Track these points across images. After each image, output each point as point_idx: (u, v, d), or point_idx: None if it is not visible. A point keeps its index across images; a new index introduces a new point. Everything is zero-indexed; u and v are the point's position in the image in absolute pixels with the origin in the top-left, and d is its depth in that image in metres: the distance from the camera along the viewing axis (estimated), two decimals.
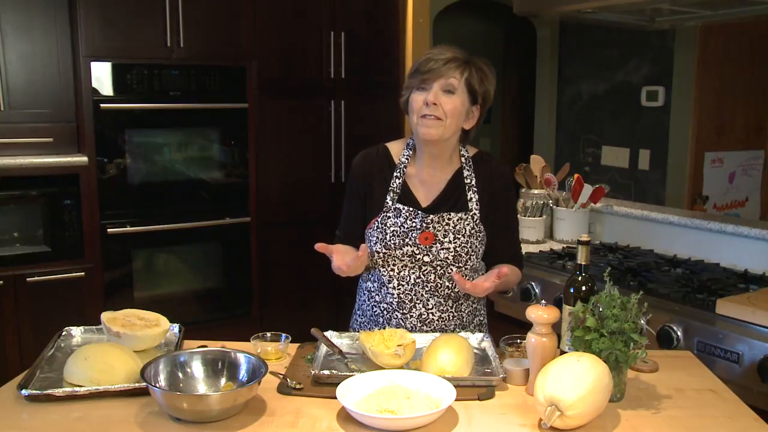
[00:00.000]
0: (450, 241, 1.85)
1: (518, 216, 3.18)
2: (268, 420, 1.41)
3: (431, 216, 1.85)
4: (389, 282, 1.88)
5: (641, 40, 4.50)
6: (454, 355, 1.58)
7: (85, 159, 3.36)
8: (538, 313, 1.52)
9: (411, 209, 1.86)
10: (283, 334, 1.76)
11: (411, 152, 1.92)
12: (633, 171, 4.68)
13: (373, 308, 1.94)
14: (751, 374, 1.93)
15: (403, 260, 1.86)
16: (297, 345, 1.80)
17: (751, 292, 2.25)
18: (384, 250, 1.86)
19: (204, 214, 3.72)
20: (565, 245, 3.06)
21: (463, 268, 1.88)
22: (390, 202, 1.87)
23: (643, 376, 1.65)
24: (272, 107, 3.84)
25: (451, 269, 1.86)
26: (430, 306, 1.88)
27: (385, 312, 1.90)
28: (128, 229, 3.50)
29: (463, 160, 1.93)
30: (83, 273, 3.39)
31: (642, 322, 1.49)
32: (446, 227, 1.85)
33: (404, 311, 1.88)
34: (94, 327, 1.82)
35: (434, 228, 1.85)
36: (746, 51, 4.34)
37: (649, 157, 4.56)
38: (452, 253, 1.85)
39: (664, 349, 2.10)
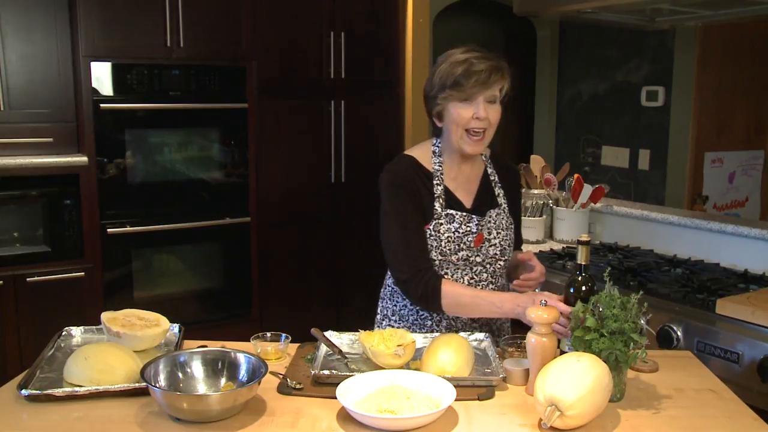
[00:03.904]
0: (495, 237, 1.90)
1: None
2: (268, 420, 1.41)
3: (484, 218, 1.89)
4: None
5: (641, 40, 4.50)
6: (454, 355, 1.58)
7: (85, 159, 3.36)
8: (538, 313, 1.52)
9: (464, 214, 1.88)
10: (283, 334, 1.76)
11: (440, 158, 1.92)
12: (633, 171, 4.68)
13: (418, 313, 1.92)
14: (751, 374, 1.93)
15: (458, 264, 1.88)
16: (297, 345, 1.80)
17: (751, 292, 2.25)
18: (440, 257, 1.86)
19: (204, 214, 3.72)
20: (565, 245, 3.06)
21: (506, 260, 1.95)
22: (440, 209, 1.86)
23: (643, 376, 1.65)
24: (272, 107, 3.84)
25: (499, 264, 1.93)
26: None
27: (434, 315, 1.90)
28: (128, 229, 3.50)
29: (484, 158, 1.99)
30: (83, 273, 3.39)
31: (642, 322, 1.49)
32: (490, 225, 1.90)
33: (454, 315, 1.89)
34: (94, 327, 1.82)
35: (483, 228, 1.89)
36: (746, 51, 4.34)
37: (649, 157, 4.56)
38: (499, 248, 1.91)
39: (664, 349, 2.10)
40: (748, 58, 4.36)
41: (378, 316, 2.05)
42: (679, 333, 2.12)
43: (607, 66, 4.81)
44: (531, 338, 1.53)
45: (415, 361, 1.65)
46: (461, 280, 1.89)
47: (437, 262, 1.86)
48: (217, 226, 3.75)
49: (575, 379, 1.35)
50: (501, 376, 1.57)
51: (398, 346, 1.61)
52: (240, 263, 3.85)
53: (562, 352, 1.60)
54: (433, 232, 1.85)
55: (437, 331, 1.90)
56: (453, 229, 1.86)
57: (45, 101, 3.32)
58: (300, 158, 3.96)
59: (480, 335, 1.81)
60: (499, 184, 1.98)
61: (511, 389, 1.57)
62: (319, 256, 4.08)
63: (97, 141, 3.40)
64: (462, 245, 1.86)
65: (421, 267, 1.81)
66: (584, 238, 1.63)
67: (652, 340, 2.11)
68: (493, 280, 1.93)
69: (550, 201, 3.19)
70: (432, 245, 1.86)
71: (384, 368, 1.59)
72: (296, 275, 4.00)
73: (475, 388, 1.54)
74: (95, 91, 3.39)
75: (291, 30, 3.84)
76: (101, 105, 3.38)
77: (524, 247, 3.01)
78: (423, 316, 1.92)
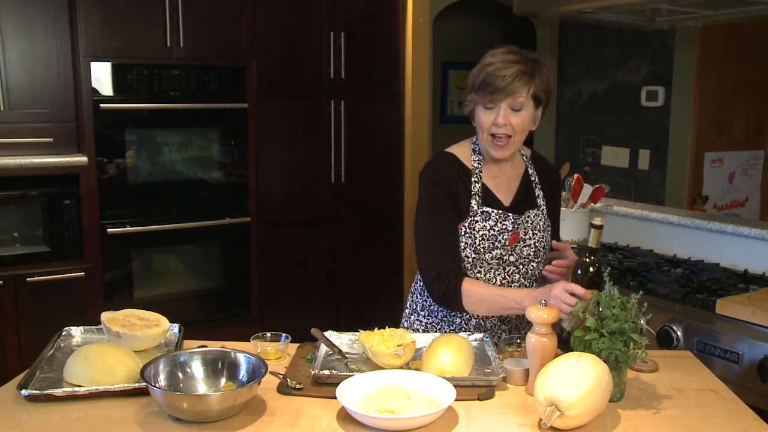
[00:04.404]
0: (530, 238, 1.88)
1: None
2: (268, 420, 1.41)
3: (521, 217, 1.87)
4: None
5: (641, 40, 4.50)
6: (454, 355, 1.58)
7: (85, 159, 3.36)
8: (538, 313, 1.52)
9: (500, 212, 1.86)
10: (283, 334, 1.76)
11: (480, 156, 1.91)
12: (633, 171, 4.68)
13: (448, 309, 1.92)
14: (751, 374, 1.93)
15: (491, 263, 1.86)
16: (297, 345, 1.80)
17: (751, 292, 2.25)
18: (474, 255, 1.84)
19: (204, 214, 3.72)
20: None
21: (540, 263, 1.92)
22: (476, 206, 1.85)
23: (643, 376, 1.65)
24: (272, 107, 3.84)
25: (532, 266, 1.90)
26: None
27: (464, 313, 1.89)
28: (128, 229, 3.50)
29: (524, 159, 1.98)
30: (83, 273, 3.39)
31: (642, 322, 1.49)
32: (527, 225, 1.88)
33: None
34: (94, 327, 1.82)
35: (520, 228, 1.87)
36: (746, 51, 4.34)
37: (649, 157, 4.56)
38: (533, 249, 1.89)
39: (664, 349, 2.10)
40: (748, 58, 4.36)
41: (407, 311, 2.04)
42: (679, 333, 2.12)
43: (607, 66, 4.81)
44: (531, 338, 1.53)
45: (415, 361, 1.65)
46: (494, 279, 1.87)
47: (470, 260, 1.85)
48: (217, 226, 3.75)
49: (575, 379, 1.35)
50: (501, 376, 1.57)
51: (398, 346, 1.61)
52: (240, 263, 3.85)
53: (562, 330, 1.61)
54: (468, 230, 1.84)
55: (466, 330, 1.89)
56: (488, 227, 1.84)
57: (45, 101, 3.32)
58: (300, 158, 3.96)
59: (480, 335, 1.81)
60: (539, 185, 1.96)
61: (511, 389, 1.57)
62: (319, 256, 4.08)
63: (97, 141, 3.40)
64: (496, 243, 1.85)
65: (446, 269, 1.81)
66: (597, 222, 1.63)
67: (652, 340, 2.11)
68: (526, 282, 1.91)
69: None
70: (466, 243, 1.84)
71: (384, 368, 1.59)
72: (296, 275, 4.00)
73: (475, 388, 1.54)
74: (95, 91, 3.39)
75: (291, 30, 3.84)
76: (101, 105, 3.38)
77: None
78: (452, 314, 1.91)
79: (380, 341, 1.64)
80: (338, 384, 1.45)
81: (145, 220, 3.56)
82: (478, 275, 1.87)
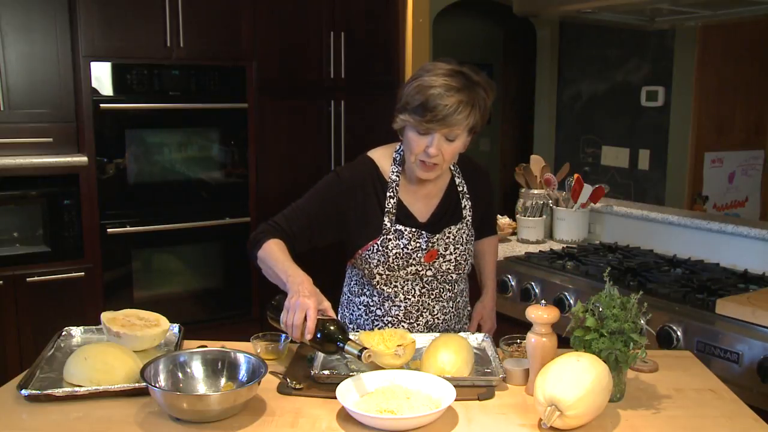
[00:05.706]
0: (451, 253, 1.85)
1: (517, 215, 3.19)
2: (268, 420, 1.41)
3: (437, 235, 1.83)
4: (395, 297, 1.86)
5: (641, 40, 4.50)
6: (453, 355, 1.58)
7: (84, 159, 3.36)
8: (538, 313, 1.52)
9: (414, 230, 1.82)
10: (283, 334, 1.75)
11: (400, 168, 1.86)
12: (633, 171, 4.68)
13: (374, 322, 1.89)
14: (751, 374, 1.93)
15: (407, 278, 1.85)
16: (297, 345, 1.80)
17: (751, 292, 2.25)
18: (387, 272, 1.83)
19: (204, 214, 3.72)
20: (565, 245, 3.06)
21: (461, 274, 1.91)
22: (389, 224, 1.81)
23: (643, 376, 1.65)
24: (272, 107, 3.84)
25: (452, 277, 1.89)
26: (436, 312, 1.89)
27: (390, 325, 1.88)
28: (128, 229, 3.50)
29: (452, 167, 1.92)
30: (83, 273, 3.39)
31: (642, 322, 1.49)
32: (447, 241, 1.85)
33: (411, 320, 1.88)
34: (94, 327, 1.82)
35: (437, 245, 1.84)
36: (746, 51, 4.34)
37: (649, 157, 4.56)
38: (453, 264, 1.86)
39: (664, 349, 2.10)
40: (748, 58, 4.36)
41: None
42: (679, 333, 2.12)
43: (607, 66, 4.81)
44: (531, 338, 1.53)
45: (415, 361, 1.65)
46: (412, 290, 1.85)
47: (384, 276, 1.83)
48: (217, 226, 3.75)
49: (575, 379, 1.35)
50: (501, 376, 1.57)
51: (398, 346, 1.61)
52: (240, 263, 3.85)
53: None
54: (380, 248, 1.80)
55: None
56: (402, 245, 1.80)
57: (45, 101, 3.32)
58: (300, 158, 3.96)
59: (480, 335, 1.81)
60: (468, 195, 1.90)
61: (511, 389, 1.57)
62: (319, 256, 4.07)
63: (97, 141, 3.40)
64: (411, 261, 1.81)
65: (275, 226, 1.82)
66: (366, 359, 1.46)
67: (652, 340, 2.11)
68: (448, 287, 1.90)
69: (550, 201, 3.19)
70: (379, 260, 1.81)
71: (384, 368, 1.59)
72: None
73: (475, 388, 1.54)
74: (95, 91, 3.39)
75: (291, 30, 3.85)
76: (101, 105, 3.39)
77: (525, 248, 3.02)
78: (378, 327, 1.89)
79: (380, 341, 1.64)
80: (338, 384, 1.45)
81: (145, 220, 3.56)
82: (395, 289, 1.85)
